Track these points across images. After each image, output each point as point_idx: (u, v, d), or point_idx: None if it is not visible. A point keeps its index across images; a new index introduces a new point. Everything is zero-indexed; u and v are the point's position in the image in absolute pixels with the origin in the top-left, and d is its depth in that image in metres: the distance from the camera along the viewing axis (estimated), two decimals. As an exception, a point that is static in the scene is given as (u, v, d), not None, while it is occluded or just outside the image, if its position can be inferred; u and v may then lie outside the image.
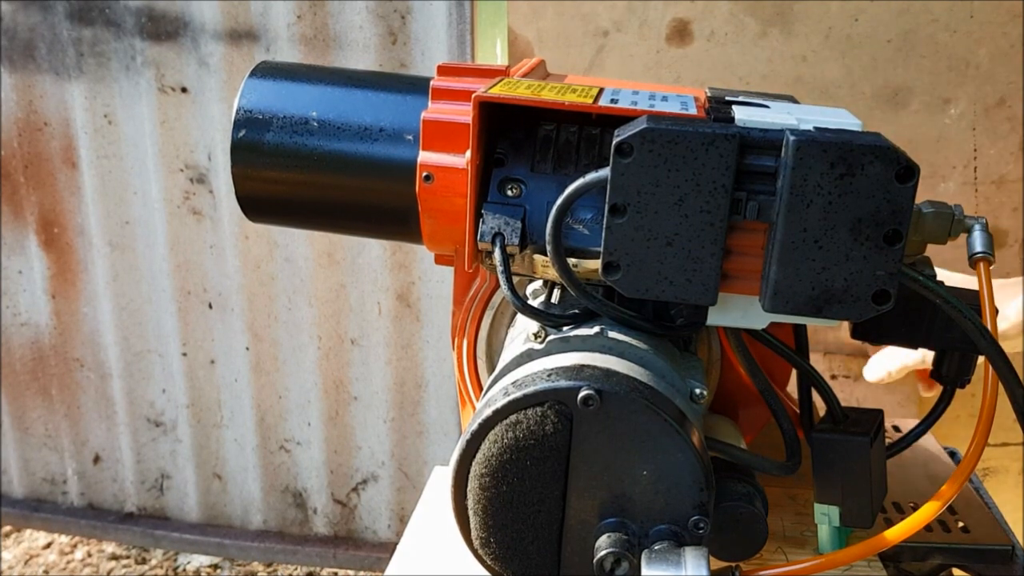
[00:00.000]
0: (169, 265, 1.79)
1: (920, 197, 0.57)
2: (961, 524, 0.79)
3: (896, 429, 0.92)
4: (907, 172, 0.51)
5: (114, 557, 2.08)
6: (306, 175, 0.72)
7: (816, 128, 0.53)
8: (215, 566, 2.03)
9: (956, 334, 0.70)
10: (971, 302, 0.62)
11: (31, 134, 1.80)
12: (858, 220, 0.52)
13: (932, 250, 0.66)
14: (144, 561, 2.06)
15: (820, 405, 0.71)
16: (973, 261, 0.64)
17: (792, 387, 0.75)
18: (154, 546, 2.03)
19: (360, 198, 0.73)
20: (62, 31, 1.71)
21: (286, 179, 0.73)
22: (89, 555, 2.10)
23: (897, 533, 0.59)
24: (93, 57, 1.71)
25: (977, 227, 0.65)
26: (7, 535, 2.18)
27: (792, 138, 0.51)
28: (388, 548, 1.85)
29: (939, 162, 1.34)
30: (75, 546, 2.13)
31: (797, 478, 0.67)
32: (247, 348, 1.82)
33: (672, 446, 0.55)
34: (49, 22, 1.71)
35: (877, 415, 0.69)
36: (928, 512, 0.59)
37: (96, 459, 2.02)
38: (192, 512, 1.98)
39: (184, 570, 2.03)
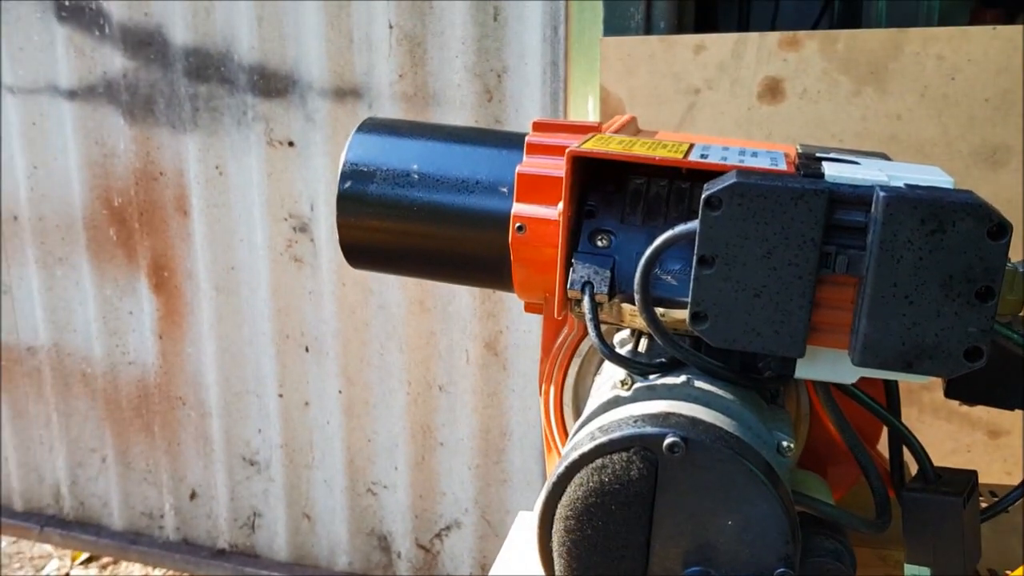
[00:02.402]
0: (270, 309, 1.86)
1: (1019, 257, 0.56)
2: (1062, 594, 0.76)
3: (993, 494, 0.89)
4: (999, 229, 0.51)
5: (204, 592, 2.14)
6: (406, 224, 0.76)
7: (907, 184, 0.54)
8: (301, 605, 2.07)
9: (1056, 396, 0.68)
10: (1070, 363, 0.60)
11: (147, 183, 1.91)
12: (949, 276, 0.52)
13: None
14: (233, 597, 2.11)
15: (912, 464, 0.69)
16: (1072, 321, 0.63)
17: (883, 445, 0.74)
18: (243, 583, 2.08)
19: (456, 247, 0.76)
20: (180, 87, 1.82)
21: (387, 228, 0.76)
22: (181, 590, 2.16)
23: (991, 597, 0.58)
24: (207, 112, 1.81)
25: (1077, 287, 0.64)
26: (104, 567, 2.26)
27: (882, 194, 0.52)
28: (469, 597, 1.86)
29: (1042, 222, 1.30)
30: (168, 580, 2.19)
31: (889, 539, 0.66)
32: (340, 391, 1.87)
33: (757, 496, 0.55)
34: (168, 79, 1.83)
35: (971, 476, 0.68)
36: (1024, 577, 0.57)
37: (192, 495, 2.08)
38: (281, 551, 2.03)
39: (270, 608, 2.06)
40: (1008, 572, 0.77)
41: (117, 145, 1.90)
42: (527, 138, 0.71)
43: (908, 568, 0.66)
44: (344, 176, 0.76)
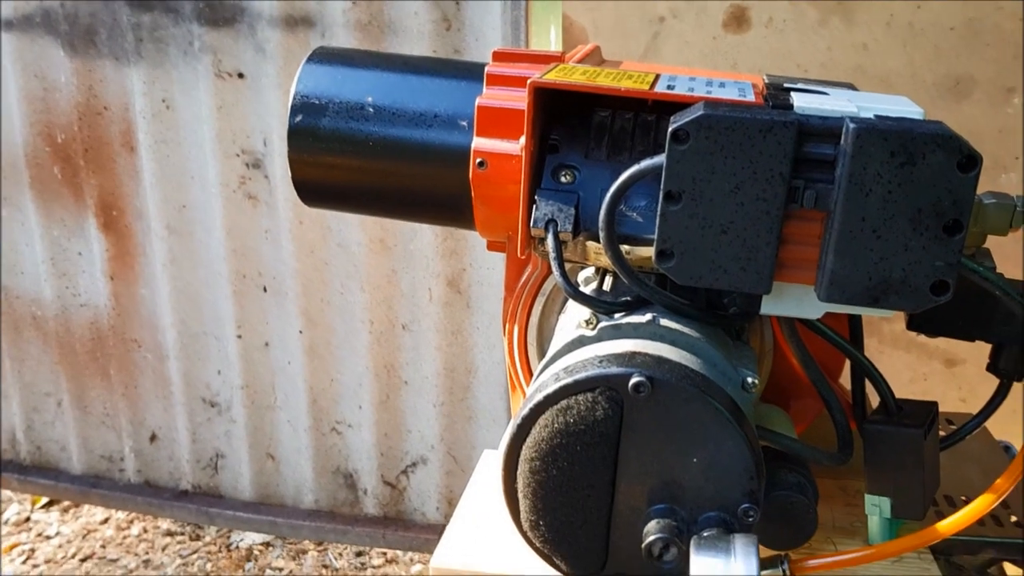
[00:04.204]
0: (225, 249, 1.82)
1: (981, 188, 0.56)
2: (1014, 519, 0.78)
3: (950, 423, 0.91)
4: (969, 161, 0.50)
5: (169, 533, 2.14)
6: (361, 160, 0.73)
7: (876, 116, 0.53)
8: (267, 544, 2.08)
9: (1015, 327, 0.68)
10: (1033, 294, 0.61)
11: (91, 118, 1.84)
12: (918, 210, 0.51)
13: (992, 241, 0.65)
14: (198, 538, 2.11)
15: (874, 396, 0.70)
16: (1035, 253, 0.63)
17: (845, 378, 0.74)
18: (208, 523, 2.08)
19: (414, 184, 0.74)
20: (122, 17, 1.74)
21: (341, 164, 0.74)
22: (145, 531, 2.16)
23: (949, 526, 0.58)
24: (152, 43, 1.74)
25: (1040, 219, 0.64)
26: (66, 510, 2.25)
27: (852, 126, 0.51)
28: (437, 530, 1.88)
29: (1001, 153, 1.31)
30: (131, 522, 2.19)
31: (849, 469, 0.67)
32: (300, 332, 1.85)
33: (723, 434, 0.55)
34: (110, 8, 1.75)
35: (931, 407, 0.68)
36: (982, 506, 0.58)
37: (153, 438, 2.07)
38: (246, 491, 2.02)
39: (237, 547, 2.07)
40: (964, 497, 0.79)
41: (58, 78, 1.83)
42: (487, 69, 0.69)
43: (869, 498, 0.67)
44: (294, 109, 0.73)
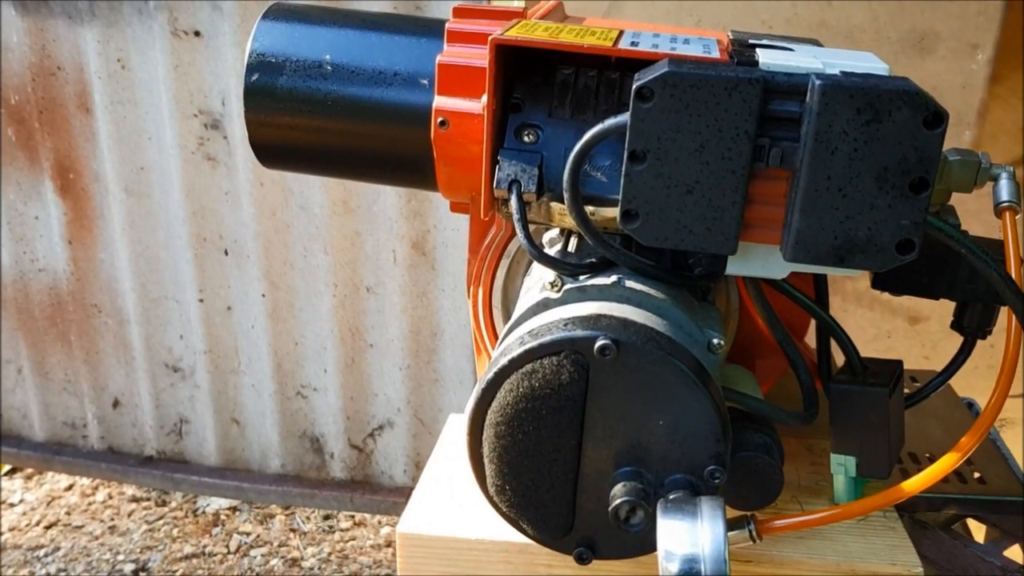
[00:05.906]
0: (185, 212, 1.79)
1: (944, 145, 0.55)
2: (977, 475, 0.79)
3: (914, 380, 0.92)
4: (935, 118, 0.50)
5: (135, 499, 2.12)
6: (320, 120, 0.71)
7: (842, 72, 0.52)
8: (234, 508, 2.07)
9: (979, 285, 0.69)
10: (996, 252, 0.61)
11: (45, 79, 1.79)
12: (884, 168, 0.51)
13: (955, 199, 0.65)
14: (164, 503, 2.10)
15: (839, 356, 0.70)
16: (999, 210, 0.63)
17: (810, 337, 0.74)
18: (174, 489, 2.06)
19: (374, 144, 0.72)
20: (74, -26, 1.69)
21: (300, 125, 0.72)
22: (110, 497, 2.14)
23: (915, 484, 0.59)
24: (106, 1, 1.69)
25: (1004, 175, 0.64)
26: (30, 477, 2.22)
27: (818, 82, 0.50)
28: (404, 493, 1.88)
29: (964, 109, 1.31)
30: (96, 488, 2.17)
31: (814, 428, 0.67)
32: (263, 295, 1.82)
33: (689, 396, 0.55)
34: (61, -35, 1.69)
35: (896, 366, 0.69)
36: (946, 464, 0.59)
37: (115, 404, 2.04)
38: (211, 456, 2.01)
39: (204, 512, 2.06)
40: (928, 455, 0.79)
41: (9, 38, 1.77)
42: (447, 25, 0.67)
43: (834, 457, 0.67)
44: (250, 68, 0.71)
